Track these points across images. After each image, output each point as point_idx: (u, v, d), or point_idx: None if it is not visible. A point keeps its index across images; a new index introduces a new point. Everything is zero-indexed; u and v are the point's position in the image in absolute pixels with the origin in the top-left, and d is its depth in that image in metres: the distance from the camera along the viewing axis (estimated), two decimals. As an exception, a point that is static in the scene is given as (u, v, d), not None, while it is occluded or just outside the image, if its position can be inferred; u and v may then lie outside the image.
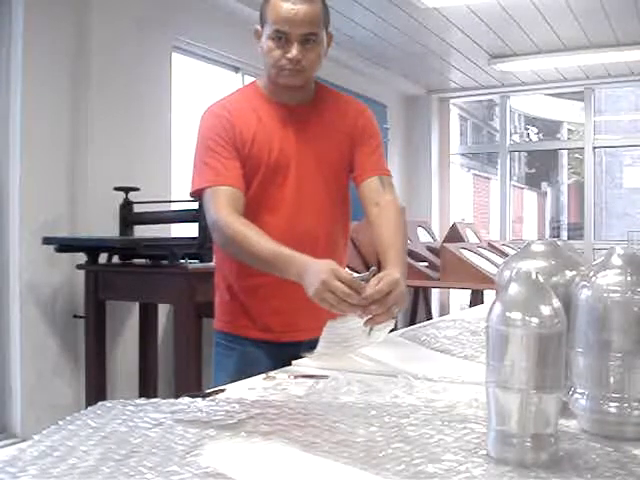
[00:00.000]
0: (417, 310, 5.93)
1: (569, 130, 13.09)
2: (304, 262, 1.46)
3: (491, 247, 5.64)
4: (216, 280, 1.83)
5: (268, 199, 1.68)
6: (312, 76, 1.72)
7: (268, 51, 1.62)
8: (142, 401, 1.13)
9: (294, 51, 1.59)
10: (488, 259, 5.18)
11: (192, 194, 1.70)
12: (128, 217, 3.36)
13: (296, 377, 1.35)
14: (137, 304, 3.51)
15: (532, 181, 13.87)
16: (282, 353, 1.63)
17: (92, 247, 3.19)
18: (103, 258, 3.28)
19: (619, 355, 0.96)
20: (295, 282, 1.49)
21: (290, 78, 1.64)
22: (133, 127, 3.60)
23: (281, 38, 1.59)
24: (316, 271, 1.40)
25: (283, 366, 1.52)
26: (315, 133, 1.73)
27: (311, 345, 1.64)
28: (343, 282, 1.36)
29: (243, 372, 1.46)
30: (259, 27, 1.67)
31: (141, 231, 3.45)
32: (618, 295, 0.96)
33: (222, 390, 1.26)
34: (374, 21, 4.65)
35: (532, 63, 5.72)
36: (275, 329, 1.73)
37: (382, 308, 1.38)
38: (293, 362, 1.53)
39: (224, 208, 1.60)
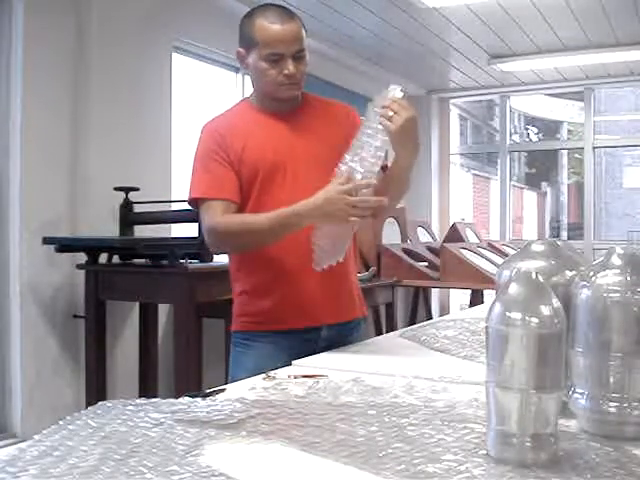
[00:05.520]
0: (417, 310, 5.93)
1: (569, 130, 13.10)
2: (307, 203, 1.59)
3: (491, 247, 5.64)
4: (235, 284, 1.85)
5: (270, 202, 1.72)
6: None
7: (263, 71, 1.72)
8: (142, 401, 1.13)
9: (290, 67, 1.70)
10: (488, 259, 5.17)
11: (189, 202, 1.80)
12: (128, 217, 3.36)
13: (296, 377, 1.35)
14: (137, 304, 3.51)
15: (532, 181, 13.87)
16: (299, 343, 1.72)
17: (92, 247, 3.19)
18: (103, 258, 3.28)
19: (619, 355, 0.96)
20: (309, 271, 1.64)
21: (289, 92, 1.76)
22: (133, 127, 3.60)
23: (276, 59, 1.69)
24: (325, 200, 1.55)
25: (301, 357, 1.58)
26: (308, 135, 1.80)
27: (329, 329, 1.77)
28: (349, 193, 1.53)
29: (262, 368, 1.47)
30: (242, 50, 1.76)
31: (141, 231, 3.45)
32: (618, 295, 0.96)
33: (222, 390, 1.26)
34: (374, 21, 4.65)
35: (532, 63, 5.71)
36: (293, 319, 1.77)
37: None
38: (293, 362, 1.54)
39: (218, 215, 1.71)
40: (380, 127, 1.58)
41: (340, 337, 1.80)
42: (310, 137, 1.80)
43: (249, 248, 1.74)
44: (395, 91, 1.60)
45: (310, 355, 1.63)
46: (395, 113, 1.57)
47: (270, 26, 1.69)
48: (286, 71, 1.70)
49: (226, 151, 1.74)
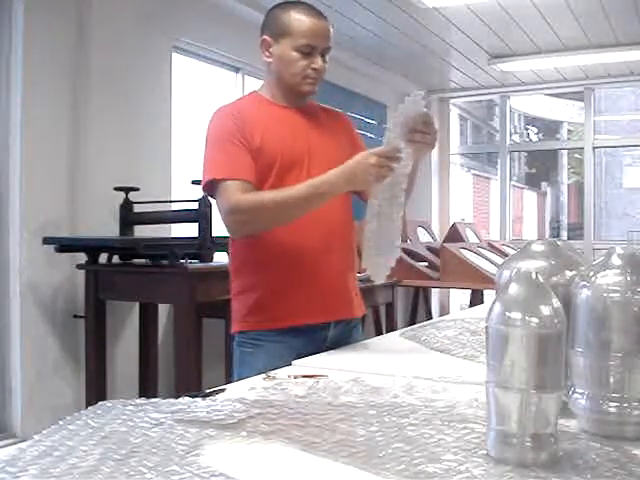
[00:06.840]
0: (417, 310, 5.93)
1: (569, 130, 13.10)
2: (340, 169, 1.61)
3: (491, 247, 5.65)
4: (238, 283, 1.82)
5: None
6: None
7: (293, 61, 1.75)
8: (142, 401, 1.13)
9: (320, 62, 1.76)
10: (488, 259, 5.18)
11: (204, 187, 1.75)
12: (128, 217, 3.36)
13: (296, 377, 1.35)
14: (137, 304, 3.51)
15: (532, 181, 13.88)
16: (307, 342, 1.72)
17: (92, 247, 3.19)
18: (103, 258, 3.28)
19: (619, 355, 0.96)
20: (316, 268, 1.71)
21: (312, 86, 1.79)
22: (133, 127, 3.60)
23: (309, 51, 1.74)
24: (358, 164, 1.58)
25: (314, 352, 1.61)
26: (321, 131, 1.84)
27: (336, 327, 1.79)
28: (382, 155, 1.56)
29: (272, 368, 1.46)
30: (269, 38, 1.77)
31: (141, 231, 3.45)
32: (618, 295, 0.96)
33: (222, 390, 1.26)
34: (374, 21, 4.65)
35: (532, 63, 5.72)
36: (302, 314, 1.76)
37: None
38: (293, 362, 1.54)
39: (238, 194, 1.67)
40: (404, 146, 1.59)
41: (341, 337, 1.80)
42: (323, 133, 1.83)
43: (277, 223, 1.69)
44: (417, 100, 1.59)
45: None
46: (426, 133, 1.60)
47: (308, 19, 1.74)
48: (315, 65, 1.75)
49: (245, 137, 1.71)
